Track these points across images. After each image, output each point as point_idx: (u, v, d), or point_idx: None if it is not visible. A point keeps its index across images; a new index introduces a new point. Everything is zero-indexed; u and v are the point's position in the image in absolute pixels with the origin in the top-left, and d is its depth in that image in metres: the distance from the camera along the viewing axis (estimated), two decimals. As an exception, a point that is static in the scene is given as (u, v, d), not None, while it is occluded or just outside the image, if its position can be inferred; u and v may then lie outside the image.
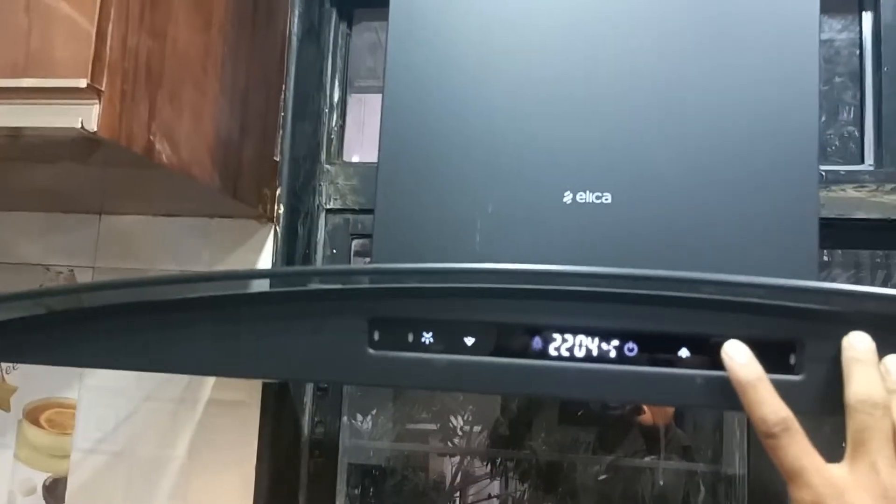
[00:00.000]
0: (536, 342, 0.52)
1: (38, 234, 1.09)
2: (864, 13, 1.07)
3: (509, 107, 0.69)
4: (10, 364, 1.07)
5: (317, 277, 0.62)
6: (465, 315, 0.53)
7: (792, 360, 0.49)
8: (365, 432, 1.15)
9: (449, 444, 1.18)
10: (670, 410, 1.02)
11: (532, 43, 0.69)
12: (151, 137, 0.74)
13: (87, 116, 0.65)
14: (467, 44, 0.71)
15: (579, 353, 0.52)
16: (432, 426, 1.17)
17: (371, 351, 0.54)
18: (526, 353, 0.52)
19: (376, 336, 0.54)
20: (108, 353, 0.57)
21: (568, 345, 0.52)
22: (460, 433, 1.16)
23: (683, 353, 0.50)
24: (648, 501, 1.07)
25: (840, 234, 0.99)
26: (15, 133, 0.68)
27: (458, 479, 1.19)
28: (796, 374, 0.49)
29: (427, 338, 0.53)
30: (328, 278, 0.57)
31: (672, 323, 0.51)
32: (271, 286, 0.62)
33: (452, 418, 1.16)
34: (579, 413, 1.07)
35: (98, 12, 0.66)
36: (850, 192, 0.99)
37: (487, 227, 0.66)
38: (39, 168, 0.83)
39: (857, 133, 1.06)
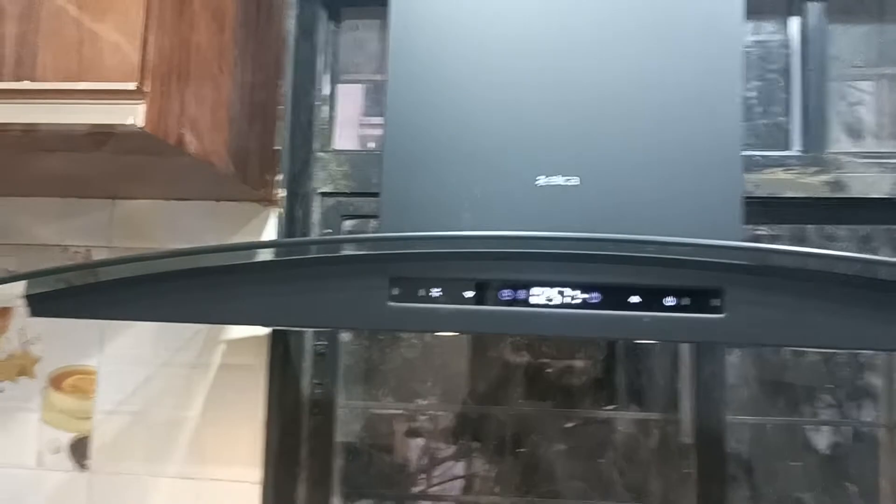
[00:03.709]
0: (521, 293, 0.67)
1: (55, 218, 1.19)
2: (791, 17, 1.22)
3: (492, 102, 0.82)
4: (35, 336, 1.17)
5: (352, 244, 0.74)
6: (465, 274, 0.67)
7: (717, 303, 0.63)
8: (338, 396, 1.24)
9: (412, 425, 1.27)
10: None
11: (512, 50, 0.83)
12: (182, 130, 0.85)
13: (136, 114, 0.76)
14: (460, 47, 0.84)
15: (555, 301, 0.66)
16: (399, 411, 1.28)
17: (391, 304, 0.67)
18: (513, 302, 0.67)
19: (395, 291, 0.67)
20: (174, 308, 0.70)
21: (546, 295, 0.66)
22: (426, 415, 1.27)
23: (635, 299, 0.65)
24: (610, 452, 1.22)
25: (772, 210, 1.15)
26: (62, 128, 0.79)
27: (422, 461, 1.29)
28: (719, 313, 0.64)
29: (436, 292, 0.67)
30: (357, 245, 0.70)
31: (626, 276, 0.65)
32: (296, 254, 0.75)
33: (419, 401, 1.27)
34: (543, 386, 1.21)
35: (142, 26, 0.77)
36: (780, 174, 1.14)
37: (475, 207, 0.79)
38: (62, 157, 0.93)
39: (786, 122, 1.21)
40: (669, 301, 0.64)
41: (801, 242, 1.22)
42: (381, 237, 0.73)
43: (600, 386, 1.24)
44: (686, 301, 0.64)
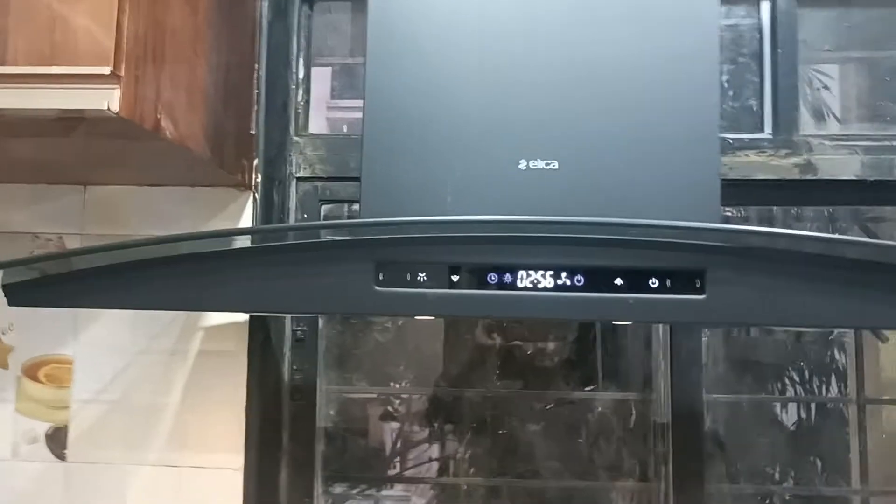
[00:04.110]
0: (507, 277, 0.67)
1: (25, 205, 1.16)
2: (762, 1, 1.23)
3: (473, 86, 0.82)
4: (7, 325, 1.15)
5: (332, 230, 0.74)
6: (450, 258, 0.67)
7: (698, 283, 0.65)
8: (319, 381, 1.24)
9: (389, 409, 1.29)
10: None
11: (493, 34, 0.83)
12: (158, 116, 0.84)
13: (111, 99, 0.75)
14: (439, 29, 0.83)
15: (540, 284, 0.67)
16: (372, 395, 1.28)
17: (377, 288, 0.67)
18: (499, 285, 0.67)
19: (381, 276, 0.67)
20: (155, 295, 0.69)
21: (531, 278, 0.67)
22: (400, 398, 1.28)
23: (618, 281, 0.66)
24: (587, 430, 1.24)
25: (744, 192, 1.17)
26: (35, 113, 0.77)
27: (398, 444, 1.30)
28: (701, 294, 0.65)
29: (422, 277, 0.67)
30: (342, 230, 0.69)
31: (609, 258, 0.66)
32: (278, 240, 0.74)
33: (394, 384, 1.28)
34: (517, 365, 1.23)
35: (116, 8, 0.75)
36: (752, 156, 1.16)
37: (457, 190, 0.79)
38: (40, 143, 0.92)
39: (757, 106, 1.23)
40: (653, 283, 0.65)
41: (769, 223, 1.24)
42: (365, 223, 0.73)
43: (574, 367, 1.26)
44: (668, 283, 0.65)
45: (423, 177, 0.80)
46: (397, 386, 1.30)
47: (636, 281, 0.66)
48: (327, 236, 0.70)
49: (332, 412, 1.27)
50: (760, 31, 1.24)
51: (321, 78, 1.34)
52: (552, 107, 0.80)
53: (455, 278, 0.67)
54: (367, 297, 0.66)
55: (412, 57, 0.82)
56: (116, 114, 0.75)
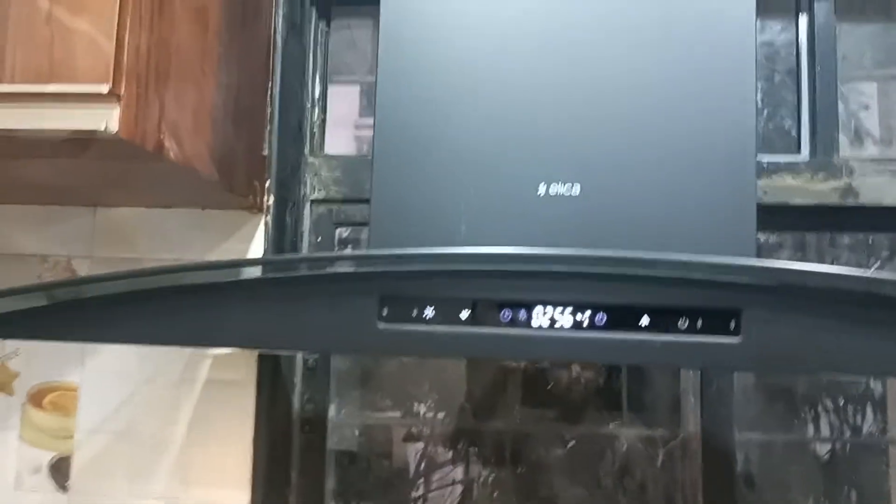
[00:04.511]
0: (521, 314, 0.62)
1: (35, 227, 1.14)
2: (800, 15, 1.18)
3: (490, 106, 0.77)
4: (13, 350, 1.12)
5: (338, 262, 0.69)
6: (461, 292, 0.62)
7: (732, 325, 0.59)
8: (330, 419, 1.20)
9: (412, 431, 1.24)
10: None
11: (511, 50, 0.78)
12: (161, 136, 0.81)
13: (110, 119, 0.72)
14: (453, 47, 0.79)
15: (558, 323, 0.61)
16: (396, 413, 1.24)
17: (381, 324, 0.62)
18: (513, 323, 0.62)
19: (385, 312, 0.62)
20: (156, 329, 0.65)
21: (548, 316, 0.61)
22: (423, 419, 1.23)
23: (644, 320, 0.60)
24: (611, 468, 1.17)
25: (779, 218, 1.11)
26: (27, 134, 0.74)
27: (423, 465, 1.25)
28: (735, 336, 0.59)
29: (429, 312, 0.62)
30: (347, 262, 0.65)
31: (635, 296, 0.60)
32: (282, 270, 0.70)
33: (416, 405, 1.23)
34: (542, 393, 1.17)
35: (117, 23, 0.72)
36: (788, 180, 1.10)
37: (471, 216, 0.74)
38: (41, 164, 0.89)
39: (794, 126, 1.17)
40: (682, 323, 0.59)
41: (802, 249, 1.18)
42: (373, 255, 0.68)
43: (602, 396, 1.19)
44: (700, 323, 0.59)
45: (436, 201, 0.75)
46: (419, 408, 1.25)
47: (664, 321, 0.60)
48: (333, 267, 0.65)
49: (349, 435, 1.22)
50: (797, 47, 1.18)
51: (349, 96, 1.31)
52: (574, 127, 0.75)
53: (465, 315, 0.62)
54: (368, 334, 0.61)
55: (425, 75, 0.77)
56: (115, 134, 0.72)
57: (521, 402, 1.18)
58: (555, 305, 0.61)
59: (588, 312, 0.61)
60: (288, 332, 0.63)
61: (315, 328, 0.62)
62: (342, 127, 1.28)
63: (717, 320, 0.59)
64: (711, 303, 0.59)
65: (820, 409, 1.20)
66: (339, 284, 0.62)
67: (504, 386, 1.18)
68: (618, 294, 0.61)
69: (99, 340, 0.71)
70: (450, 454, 1.22)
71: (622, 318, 0.61)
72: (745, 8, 0.76)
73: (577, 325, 0.61)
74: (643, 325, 0.60)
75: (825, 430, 1.17)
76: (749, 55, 0.75)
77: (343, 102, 1.29)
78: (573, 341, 0.60)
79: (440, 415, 1.21)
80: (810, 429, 1.17)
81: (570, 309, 0.61)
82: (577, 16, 0.78)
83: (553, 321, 0.61)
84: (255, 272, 0.65)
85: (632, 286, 0.60)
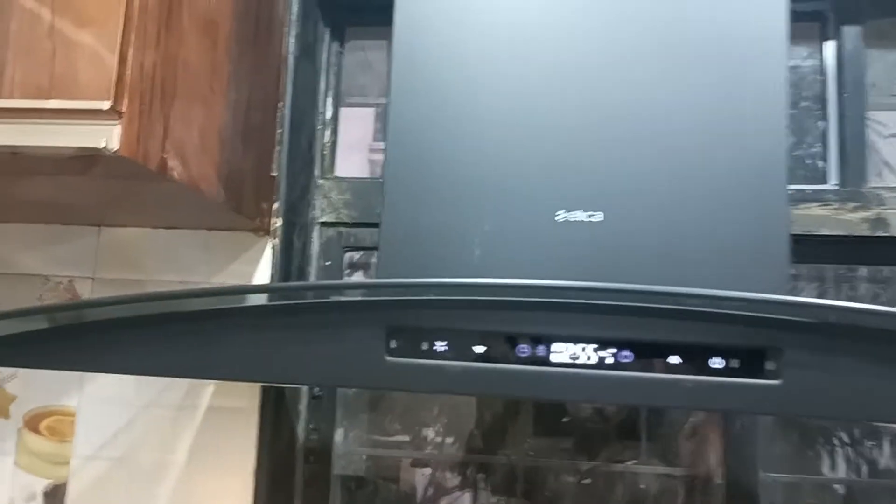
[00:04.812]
0: (540, 350, 0.57)
1: (38, 246, 1.11)
2: (826, 42, 1.14)
3: (507, 129, 0.74)
4: (10, 373, 1.08)
5: (344, 290, 0.66)
6: (474, 325, 0.58)
7: (771, 366, 0.54)
8: (337, 443, 1.16)
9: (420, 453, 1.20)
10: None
11: (527, 69, 0.75)
12: (165, 155, 0.78)
13: (110, 137, 0.69)
14: (468, 68, 0.76)
15: (580, 360, 0.57)
16: (405, 437, 1.19)
17: (388, 358, 0.58)
18: (531, 360, 0.57)
19: (393, 344, 0.58)
20: (155, 360, 0.61)
21: (569, 352, 0.57)
22: (432, 444, 1.19)
23: (674, 359, 0.56)
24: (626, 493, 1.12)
25: (807, 249, 1.06)
26: (30, 151, 0.71)
27: (430, 490, 1.21)
28: (775, 379, 0.54)
29: (440, 346, 0.58)
30: (355, 292, 0.61)
31: (664, 332, 0.56)
32: (286, 298, 0.66)
33: (425, 430, 1.19)
34: (556, 422, 1.12)
35: (120, 38, 0.69)
36: (816, 209, 1.05)
37: (485, 243, 0.71)
38: (44, 182, 0.86)
39: (821, 154, 1.13)
40: (716, 363, 0.55)
41: (821, 282, 1.13)
42: (381, 283, 0.64)
43: (620, 429, 1.14)
44: (735, 363, 0.54)
45: (448, 226, 0.71)
46: (429, 432, 1.21)
47: (695, 360, 0.55)
48: (333, 295, 0.61)
49: (356, 459, 1.17)
50: (824, 74, 1.14)
51: (364, 119, 1.29)
52: (596, 151, 0.71)
53: (479, 349, 0.58)
54: (375, 368, 0.57)
55: (439, 97, 0.74)
56: (115, 153, 0.69)
57: (534, 431, 1.14)
58: (576, 341, 0.57)
59: (612, 349, 0.56)
60: (291, 365, 0.59)
61: (319, 361, 0.58)
62: (356, 151, 1.25)
63: (755, 361, 0.54)
64: (749, 341, 0.54)
65: (839, 445, 1.15)
66: (346, 314, 0.58)
67: (516, 413, 1.13)
68: (645, 330, 0.56)
69: (95, 370, 0.67)
70: (458, 480, 1.18)
71: (650, 356, 0.56)
72: (777, 31, 0.73)
73: (600, 364, 0.56)
74: (672, 364, 0.55)
75: (841, 467, 1.11)
76: (781, 79, 0.72)
77: (357, 126, 1.26)
78: (596, 381, 0.56)
79: (449, 440, 1.18)
80: (827, 465, 1.12)
81: (592, 346, 0.57)
82: (599, 37, 0.74)
83: (574, 358, 0.57)
84: (260, 298, 0.62)
85: (661, 322, 0.56)
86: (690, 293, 0.55)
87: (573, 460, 1.12)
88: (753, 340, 0.54)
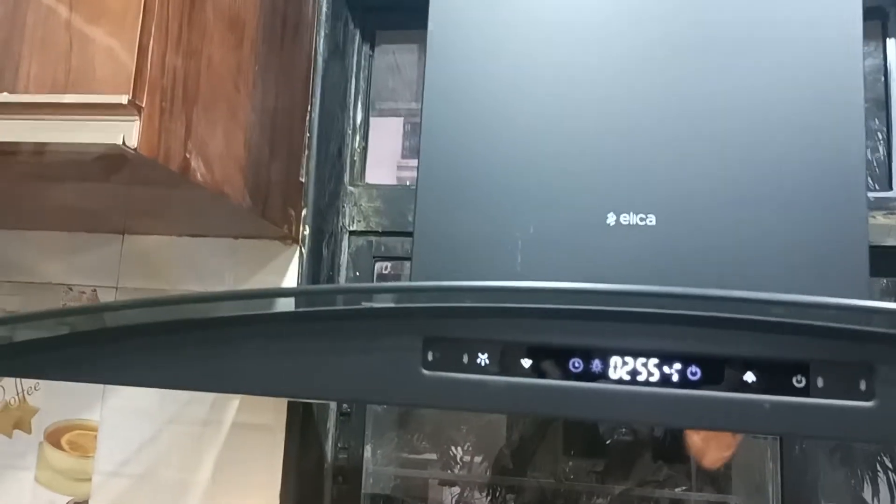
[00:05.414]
0: (595, 365, 0.51)
1: (61, 254, 1.08)
2: (888, 39, 1.07)
3: (551, 128, 0.68)
4: (33, 385, 1.05)
5: (375, 294, 0.60)
6: (522, 336, 0.52)
7: (863, 385, 0.47)
8: (366, 460, 1.12)
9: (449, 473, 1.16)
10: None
11: (572, 65, 0.69)
12: (188, 155, 0.73)
13: (129, 133, 0.65)
14: (506, 66, 0.71)
15: (641, 377, 0.51)
16: (432, 455, 1.15)
17: (425, 372, 0.52)
18: (584, 376, 0.51)
19: (430, 356, 0.52)
20: (164, 371, 0.56)
21: (628, 367, 0.51)
22: (460, 463, 1.14)
23: (749, 377, 0.49)
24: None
25: (871, 261, 0.98)
26: (50, 149, 0.68)
27: None
28: (868, 400, 0.47)
29: (483, 359, 0.52)
30: (386, 296, 0.56)
31: (737, 346, 0.50)
32: (313, 303, 0.61)
33: (453, 448, 1.14)
34: (586, 441, 1.05)
35: (140, 31, 0.65)
36: (881, 218, 0.98)
37: (529, 248, 0.65)
38: (67, 187, 0.83)
39: (885, 159, 1.05)
40: (798, 381, 0.48)
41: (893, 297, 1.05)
42: (417, 287, 0.58)
43: (666, 453, 1.07)
44: (820, 382, 0.48)
45: (487, 233, 0.66)
46: (458, 450, 1.16)
47: (773, 377, 0.49)
48: (365, 303, 0.56)
49: (385, 477, 1.12)
50: (886, 74, 1.07)
51: (392, 132, 1.24)
52: (650, 150, 0.65)
53: (526, 363, 0.52)
54: (410, 383, 0.52)
55: (475, 98, 0.69)
56: (134, 150, 0.65)
57: (567, 450, 1.07)
58: (636, 355, 0.51)
59: (678, 365, 0.50)
60: (319, 379, 0.53)
61: (350, 375, 0.52)
62: (384, 166, 1.21)
63: (844, 380, 0.47)
64: (836, 357, 0.48)
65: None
66: (378, 321, 0.53)
67: (545, 433, 1.07)
68: (714, 342, 0.50)
69: (113, 382, 0.62)
70: (487, 500, 1.12)
71: (720, 372, 0.50)
72: (852, 24, 0.66)
73: (664, 381, 0.50)
74: (747, 383, 0.49)
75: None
76: (856, 76, 0.65)
77: (385, 139, 1.22)
78: (659, 400, 0.50)
79: (477, 458, 1.12)
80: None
81: (655, 360, 0.50)
82: (654, 31, 0.69)
83: (634, 374, 0.51)
84: (287, 304, 0.56)
85: (734, 333, 0.49)
86: (771, 299, 0.48)
87: (611, 484, 1.06)
88: (843, 355, 0.48)
